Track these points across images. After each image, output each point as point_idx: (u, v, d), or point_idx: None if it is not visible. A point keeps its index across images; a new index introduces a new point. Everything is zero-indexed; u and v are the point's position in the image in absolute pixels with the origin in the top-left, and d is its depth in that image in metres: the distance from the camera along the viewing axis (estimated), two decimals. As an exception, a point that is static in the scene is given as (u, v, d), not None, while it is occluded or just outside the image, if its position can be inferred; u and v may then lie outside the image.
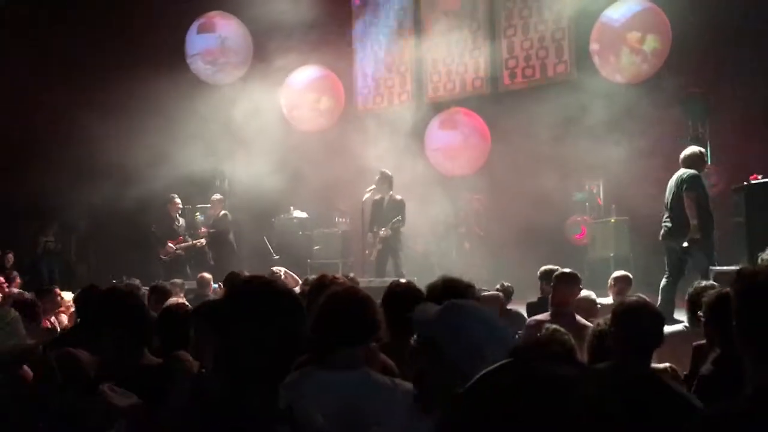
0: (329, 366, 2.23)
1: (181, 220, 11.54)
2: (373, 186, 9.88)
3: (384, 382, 2.26)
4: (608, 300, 6.08)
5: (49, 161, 12.24)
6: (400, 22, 13.48)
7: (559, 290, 4.47)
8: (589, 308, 5.07)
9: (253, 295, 1.65)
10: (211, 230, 11.45)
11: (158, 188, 11.31)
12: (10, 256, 11.33)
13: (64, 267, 12.71)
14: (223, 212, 11.56)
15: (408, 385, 2.18)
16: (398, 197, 10.00)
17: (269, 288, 1.67)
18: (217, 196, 11.79)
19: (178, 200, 11.39)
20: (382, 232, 9.66)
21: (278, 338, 1.60)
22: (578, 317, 4.60)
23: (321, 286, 3.17)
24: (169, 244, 11.16)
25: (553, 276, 4.53)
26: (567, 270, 4.67)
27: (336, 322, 2.27)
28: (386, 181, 9.90)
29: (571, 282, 4.55)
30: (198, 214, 11.92)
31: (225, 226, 11.45)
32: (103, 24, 12.50)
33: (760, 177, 7.33)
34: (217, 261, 11.16)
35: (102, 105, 11.64)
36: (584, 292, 5.05)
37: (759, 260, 5.60)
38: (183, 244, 11.32)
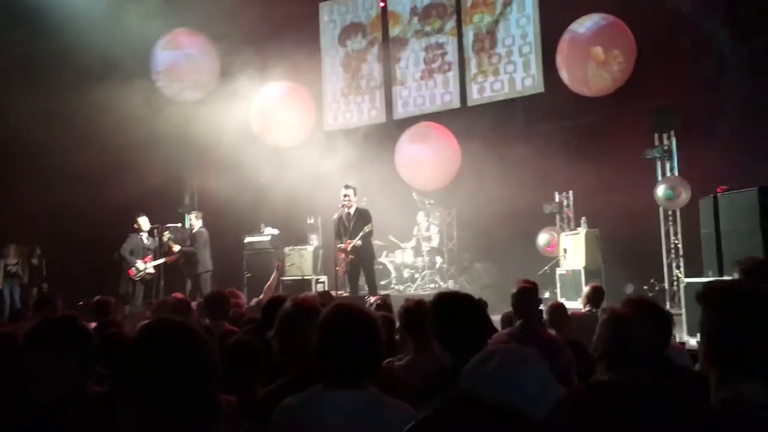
0: (336, 385, 2.24)
1: (150, 240, 11.35)
2: (344, 202, 9.77)
3: (388, 402, 2.26)
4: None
5: (7, 180, 11.93)
6: (370, 39, 13.51)
7: (521, 304, 4.44)
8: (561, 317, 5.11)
9: (164, 338, 1.68)
10: (187, 248, 11.29)
11: (124, 207, 11.09)
12: None
13: (24, 291, 12.43)
14: (199, 229, 11.35)
15: (408, 407, 2.24)
16: (363, 207, 9.91)
17: (176, 330, 1.70)
18: (195, 213, 11.71)
19: (142, 220, 11.19)
20: (355, 242, 9.54)
21: (188, 377, 1.64)
22: (546, 329, 4.60)
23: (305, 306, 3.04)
24: (137, 264, 10.96)
25: (512, 293, 4.49)
26: (524, 284, 4.64)
27: (342, 342, 2.25)
28: (350, 193, 9.79)
29: (531, 294, 4.53)
30: (168, 233, 11.69)
31: (201, 243, 11.27)
32: (68, 36, 12.20)
33: (727, 188, 7.41)
34: (191, 279, 11.13)
35: (67, 121, 11.34)
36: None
37: (735, 266, 5.63)
38: (152, 263, 11.13)
